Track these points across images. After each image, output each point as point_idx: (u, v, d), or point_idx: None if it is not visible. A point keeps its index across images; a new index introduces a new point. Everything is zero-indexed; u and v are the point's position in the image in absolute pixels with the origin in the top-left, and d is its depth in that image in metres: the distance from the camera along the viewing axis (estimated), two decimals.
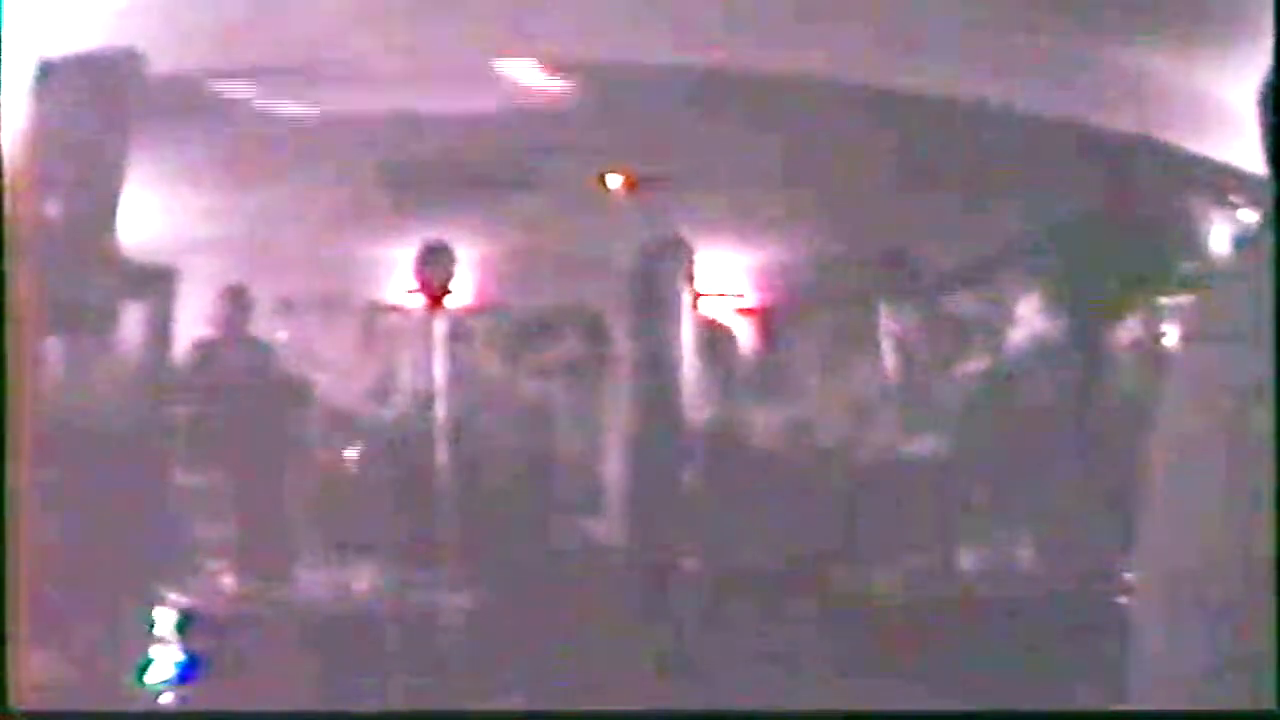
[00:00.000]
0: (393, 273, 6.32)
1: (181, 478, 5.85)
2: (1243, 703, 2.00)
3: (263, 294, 6.16)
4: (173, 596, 5.54)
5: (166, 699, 5.29)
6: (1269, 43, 2.27)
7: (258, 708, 5.09)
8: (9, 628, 3.25)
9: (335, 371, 6.26)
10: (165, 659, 5.32)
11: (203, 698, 5.27)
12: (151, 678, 5.30)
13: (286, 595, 5.76)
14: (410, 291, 6.25)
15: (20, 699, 3.20)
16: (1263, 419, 2.02)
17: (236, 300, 6.15)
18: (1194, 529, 2.08)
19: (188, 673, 5.32)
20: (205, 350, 6.11)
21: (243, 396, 6.07)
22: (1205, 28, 5.57)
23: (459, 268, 6.20)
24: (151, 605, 5.47)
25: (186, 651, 5.33)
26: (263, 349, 6.19)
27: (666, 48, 5.98)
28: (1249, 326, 2.07)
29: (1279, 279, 2.07)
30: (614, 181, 6.31)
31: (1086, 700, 4.51)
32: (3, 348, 3.49)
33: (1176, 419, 2.15)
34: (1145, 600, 2.18)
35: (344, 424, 6.22)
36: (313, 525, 5.92)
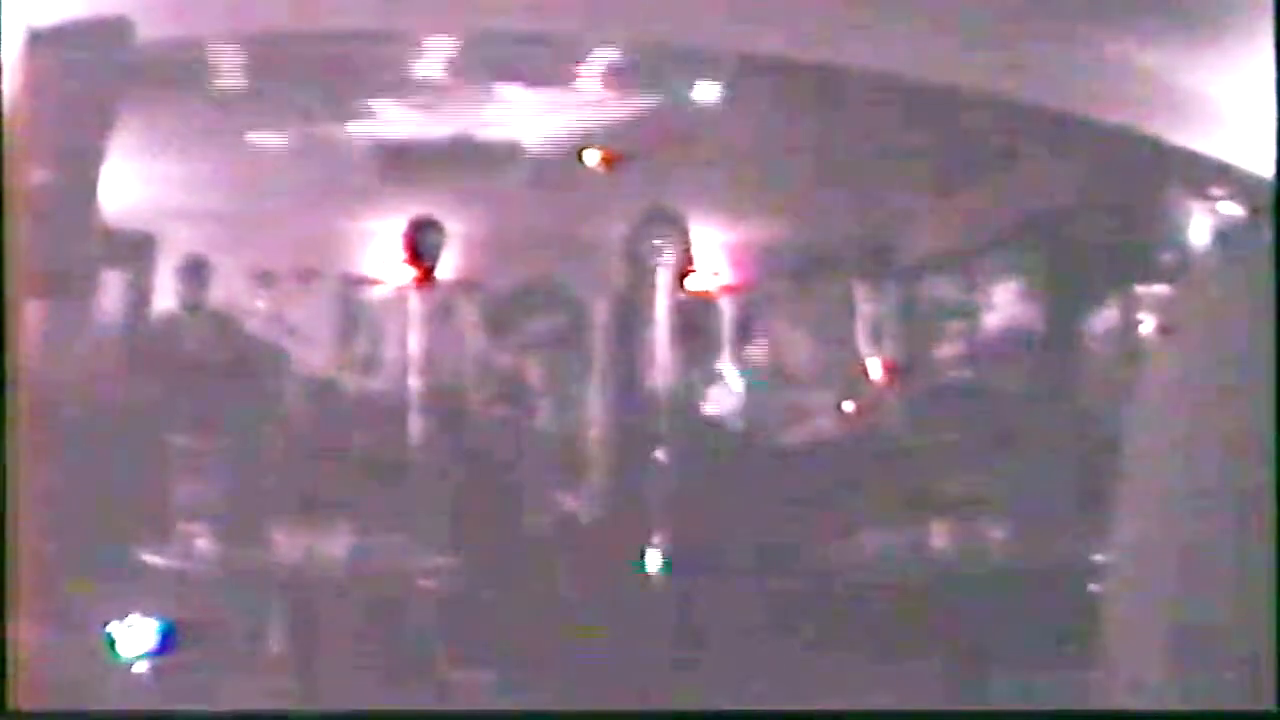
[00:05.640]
0: (376, 246, 6.33)
1: (169, 444, 5.86)
2: (1241, 702, 2.01)
3: (246, 265, 6.19)
4: (152, 560, 5.55)
5: (143, 668, 5.29)
6: (1263, 41, 2.28)
7: (234, 670, 5.12)
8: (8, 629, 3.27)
9: (319, 343, 6.28)
10: (143, 627, 5.32)
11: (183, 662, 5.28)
12: (127, 647, 5.30)
13: (264, 560, 5.77)
14: (398, 264, 6.25)
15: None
16: (1238, 411, 2.04)
17: (209, 271, 6.18)
18: (1170, 519, 2.09)
19: (166, 640, 5.32)
20: (193, 320, 6.12)
21: (225, 367, 6.08)
22: (1199, 25, 5.59)
23: (447, 242, 6.21)
24: (132, 569, 5.48)
25: (164, 618, 5.33)
26: (244, 319, 6.21)
27: (656, 26, 6.00)
28: (1229, 321, 2.09)
29: (1279, 278, 2.08)
30: (595, 158, 6.32)
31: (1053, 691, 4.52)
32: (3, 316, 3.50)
33: (1154, 410, 2.17)
34: (1119, 587, 2.20)
35: (328, 394, 6.24)
36: (292, 492, 5.93)
